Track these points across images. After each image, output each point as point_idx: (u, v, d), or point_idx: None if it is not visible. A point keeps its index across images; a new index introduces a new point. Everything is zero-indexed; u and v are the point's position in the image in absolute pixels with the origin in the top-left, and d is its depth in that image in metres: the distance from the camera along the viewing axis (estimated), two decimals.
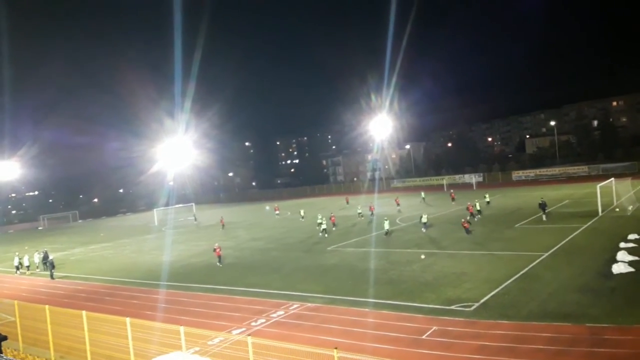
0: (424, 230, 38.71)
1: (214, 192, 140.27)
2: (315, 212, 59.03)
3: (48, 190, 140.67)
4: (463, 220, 36.75)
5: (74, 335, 17.16)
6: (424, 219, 39.27)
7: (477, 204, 45.01)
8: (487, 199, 49.51)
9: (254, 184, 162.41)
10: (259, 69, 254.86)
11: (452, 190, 63.78)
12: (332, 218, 45.21)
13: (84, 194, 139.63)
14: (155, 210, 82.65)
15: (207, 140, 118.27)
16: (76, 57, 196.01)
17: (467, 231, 35.34)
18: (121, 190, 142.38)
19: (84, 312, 16.65)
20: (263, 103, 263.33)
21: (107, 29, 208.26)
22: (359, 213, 52.55)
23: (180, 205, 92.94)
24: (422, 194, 68.31)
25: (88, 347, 16.57)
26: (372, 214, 53.09)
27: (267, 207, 68.95)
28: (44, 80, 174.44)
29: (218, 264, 33.69)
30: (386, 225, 38.86)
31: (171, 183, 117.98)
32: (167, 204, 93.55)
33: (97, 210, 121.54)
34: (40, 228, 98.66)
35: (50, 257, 38.00)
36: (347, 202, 70.86)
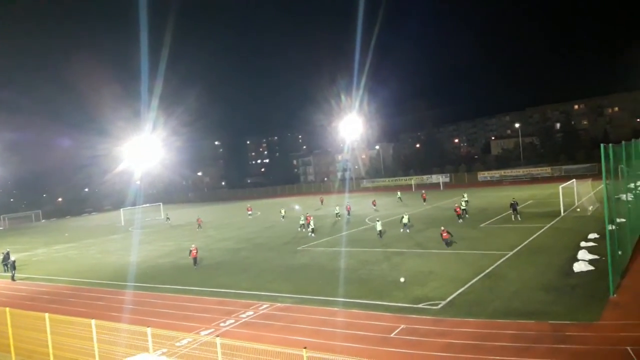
0: (407, 230, 38.35)
1: (182, 191, 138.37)
2: (293, 211, 59.38)
3: (9, 189, 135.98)
4: (443, 229, 31.58)
5: (37, 338, 16.70)
6: (405, 220, 38.87)
7: (463, 204, 45.48)
8: (466, 199, 49.52)
9: (223, 183, 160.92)
10: (229, 67, 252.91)
11: (423, 191, 64.46)
12: (308, 218, 45.00)
13: (47, 193, 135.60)
14: (121, 210, 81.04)
15: (175, 138, 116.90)
16: (38, 53, 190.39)
17: (447, 242, 30.78)
18: (86, 190, 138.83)
19: (46, 315, 16.23)
20: (233, 102, 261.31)
21: (70, 23, 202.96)
22: (337, 213, 51.83)
23: (148, 205, 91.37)
24: (399, 193, 68.55)
25: (51, 351, 16.16)
26: (348, 213, 53.02)
27: (249, 212, 65.99)
28: (3, 77, 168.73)
29: (194, 266, 32.59)
30: (378, 227, 37.54)
31: (138, 182, 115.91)
32: (134, 204, 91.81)
33: (61, 210, 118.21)
34: (0, 228, 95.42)
35: (12, 258, 36.79)
36: (322, 203, 70.41)
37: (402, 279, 23.33)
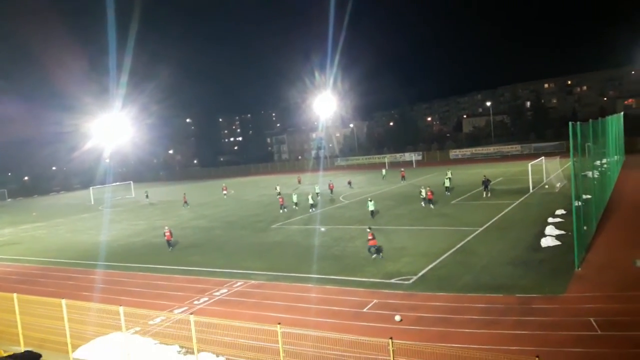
0: (427, 204, 37.87)
1: (153, 170, 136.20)
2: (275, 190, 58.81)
3: None
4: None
5: (5, 318, 16.40)
6: (423, 194, 38.43)
7: (446, 181, 45.64)
8: (449, 175, 49.05)
9: (195, 161, 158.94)
10: (201, 43, 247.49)
11: (402, 169, 64.63)
12: (281, 199, 44.63)
13: (13, 171, 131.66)
14: (91, 188, 79.41)
15: (145, 116, 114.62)
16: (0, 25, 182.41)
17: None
18: (54, 168, 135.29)
19: (14, 295, 15.91)
20: (205, 79, 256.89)
21: None
22: (317, 193, 49.64)
23: (118, 183, 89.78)
24: (383, 171, 68.00)
25: (20, 331, 15.90)
26: (331, 192, 52.42)
27: (224, 191, 63.17)
28: None
29: (168, 248, 31.00)
30: (371, 206, 35.65)
31: (108, 160, 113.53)
32: (103, 182, 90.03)
33: (27, 189, 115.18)
34: None
35: None
36: (299, 182, 69.30)
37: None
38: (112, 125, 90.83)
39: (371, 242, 23.92)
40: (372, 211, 35.44)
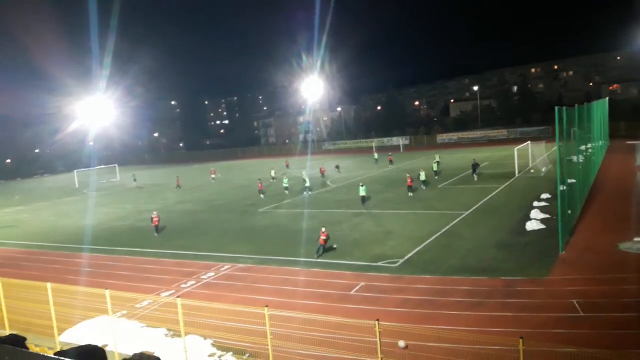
0: (424, 187, 37.92)
1: (138, 152, 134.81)
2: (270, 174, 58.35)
3: None
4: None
5: None
6: (422, 177, 38.34)
7: (434, 165, 45.61)
8: (437, 159, 48.77)
9: (181, 144, 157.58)
10: (186, 25, 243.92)
11: (390, 153, 64.56)
12: (260, 184, 43.36)
13: None
14: (75, 171, 78.42)
15: (130, 98, 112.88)
16: None
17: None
18: (37, 151, 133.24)
19: None
20: (190, 61, 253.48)
21: None
22: (305, 182, 43.38)
23: (103, 166, 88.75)
24: (375, 155, 66.91)
25: (5, 315, 15.76)
26: (322, 175, 51.89)
27: (212, 175, 61.63)
28: None
29: (155, 234, 30.35)
30: (362, 191, 34.19)
31: (92, 143, 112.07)
32: (88, 165, 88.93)
33: (10, 171, 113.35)
34: None
35: None
36: (287, 166, 67.45)
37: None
38: (96, 108, 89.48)
39: (321, 241, 22.44)
40: (362, 197, 34.10)
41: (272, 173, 55.03)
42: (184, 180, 63.05)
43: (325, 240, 22.52)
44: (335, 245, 23.35)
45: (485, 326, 13.56)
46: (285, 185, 44.00)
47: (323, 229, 22.85)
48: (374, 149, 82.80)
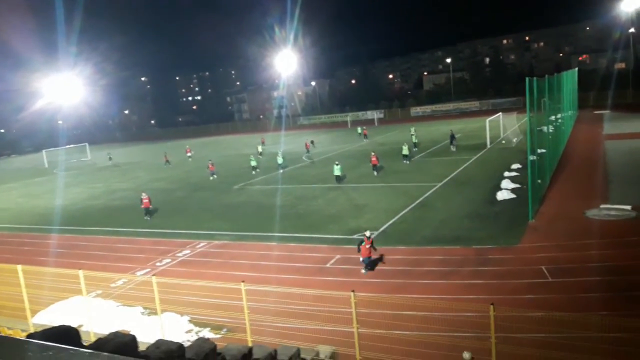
0: (406, 162, 37.48)
1: (109, 131, 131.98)
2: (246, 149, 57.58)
3: None
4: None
5: None
6: (405, 151, 37.84)
7: (412, 137, 45.84)
8: (413, 132, 48.53)
9: (153, 122, 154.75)
10: None
11: (364, 127, 64.38)
12: (210, 166, 41.23)
13: None
14: (44, 151, 76.45)
15: (100, 75, 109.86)
16: None
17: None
18: (2, 130, 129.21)
19: None
20: (160, 36, 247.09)
21: None
22: (280, 164, 42.39)
23: (72, 145, 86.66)
24: (359, 129, 64.88)
25: None
26: (308, 151, 51.11)
27: (188, 153, 58.59)
28: None
29: (146, 217, 28.20)
30: (336, 171, 32.48)
31: (60, 122, 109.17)
32: (57, 145, 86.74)
33: None
34: None
35: None
36: (263, 143, 63.87)
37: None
38: (64, 85, 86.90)
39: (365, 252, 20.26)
40: (337, 176, 32.42)
41: (259, 149, 54.44)
42: (158, 158, 62.09)
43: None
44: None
45: (458, 294, 13.90)
46: (253, 164, 42.09)
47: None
48: (349, 124, 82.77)
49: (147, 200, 28.29)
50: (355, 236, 20.53)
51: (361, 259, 16.25)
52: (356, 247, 16.43)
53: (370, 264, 16.47)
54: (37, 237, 26.97)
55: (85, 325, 13.43)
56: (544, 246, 17.04)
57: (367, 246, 16.08)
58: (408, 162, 37.62)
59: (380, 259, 17.19)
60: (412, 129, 50.78)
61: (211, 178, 40.58)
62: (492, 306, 9.18)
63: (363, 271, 16.24)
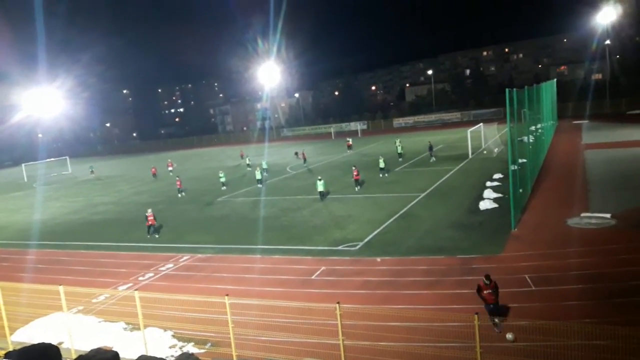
0: (385, 175, 37.19)
1: (90, 144, 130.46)
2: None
3: None
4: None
5: None
6: (381, 164, 37.59)
7: (397, 148, 46.10)
8: (398, 143, 48.26)
9: (135, 134, 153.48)
10: (138, 11, 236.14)
11: (348, 139, 64.51)
12: (178, 182, 39.66)
13: None
14: (23, 165, 75.13)
15: (80, 88, 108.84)
16: None
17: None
18: None
19: None
20: (142, 48, 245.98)
21: None
22: (265, 169, 43.53)
23: (53, 159, 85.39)
24: (350, 140, 64.41)
25: None
26: (304, 161, 50.77)
27: (170, 168, 56.40)
28: None
29: (156, 235, 26.38)
30: (320, 186, 31.09)
31: (40, 135, 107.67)
32: (36, 159, 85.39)
33: None
34: None
35: None
36: (242, 157, 60.84)
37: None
38: (44, 98, 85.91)
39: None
40: (321, 192, 31.10)
41: (247, 161, 53.80)
42: (140, 171, 61.41)
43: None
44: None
45: (443, 304, 13.94)
46: (222, 179, 40.11)
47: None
48: (332, 135, 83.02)
49: (152, 218, 26.45)
50: (340, 247, 20.51)
51: (485, 306, 12.50)
52: (475, 293, 12.73)
53: (500, 311, 12.60)
54: (15, 253, 26.43)
55: (66, 342, 13.15)
56: (527, 255, 17.21)
57: (489, 291, 12.49)
58: (387, 174, 37.47)
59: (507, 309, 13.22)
60: (398, 141, 50.98)
61: (179, 195, 38.83)
62: (476, 316, 9.21)
63: (496, 330, 11.98)
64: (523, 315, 12.60)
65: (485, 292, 12.52)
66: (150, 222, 26.39)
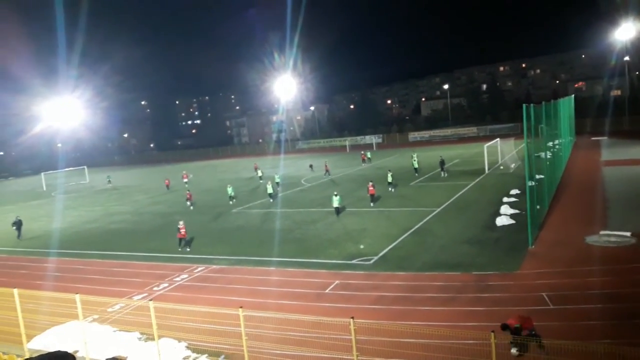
0: (392, 190, 36.64)
1: (108, 154, 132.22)
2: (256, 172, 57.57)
3: None
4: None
5: None
6: (389, 178, 37.22)
7: (414, 163, 45.66)
8: (415, 158, 47.90)
9: (152, 145, 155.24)
10: (156, 24, 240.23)
11: (362, 152, 64.52)
12: (189, 195, 40.01)
13: None
14: (42, 174, 76.37)
15: (99, 99, 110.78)
16: None
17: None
18: (1, 153, 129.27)
19: None
20: (161, 60, 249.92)
21: None
22: (277, 183, 44.51)
23: (71, 168, 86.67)
24: (369, 153, 64.73)
25: None
26: (326, 172, 50.63)
27: (185, 179, 55.78)
28: None
29: (187, 249, 25.53)
30: (335, 202, 30.22)
31: (59, 145, 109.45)
32: (55, 168, 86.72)
33: None
34: None
35: None
36: (256, 169, 56.84)
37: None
38: (64, 108, 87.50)
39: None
40: (337, 208, 30.17)
41: (259, 173, 53.89)
42: (156, 181, 62.05)
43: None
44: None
45: (458, 321, 13.76)
46: (230, 193, 39.53)
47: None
48: (347, 148, 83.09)
49: (184, 230, 25.65)
50: (354, 261, 20.42)
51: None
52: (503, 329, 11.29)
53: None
54: (33, 261, 26.77)
55: (81, 350, 13.24)
56: (545, 272, 16.95)
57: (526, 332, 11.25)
58: (393, 189, 36.97)
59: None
60: (414, 155, 50.66)
61: (190, 208, 38.73)
62: (492, 333, 9.08)
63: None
64: (541, 334, 12.37)
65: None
66: (182, 235, 25.65)
